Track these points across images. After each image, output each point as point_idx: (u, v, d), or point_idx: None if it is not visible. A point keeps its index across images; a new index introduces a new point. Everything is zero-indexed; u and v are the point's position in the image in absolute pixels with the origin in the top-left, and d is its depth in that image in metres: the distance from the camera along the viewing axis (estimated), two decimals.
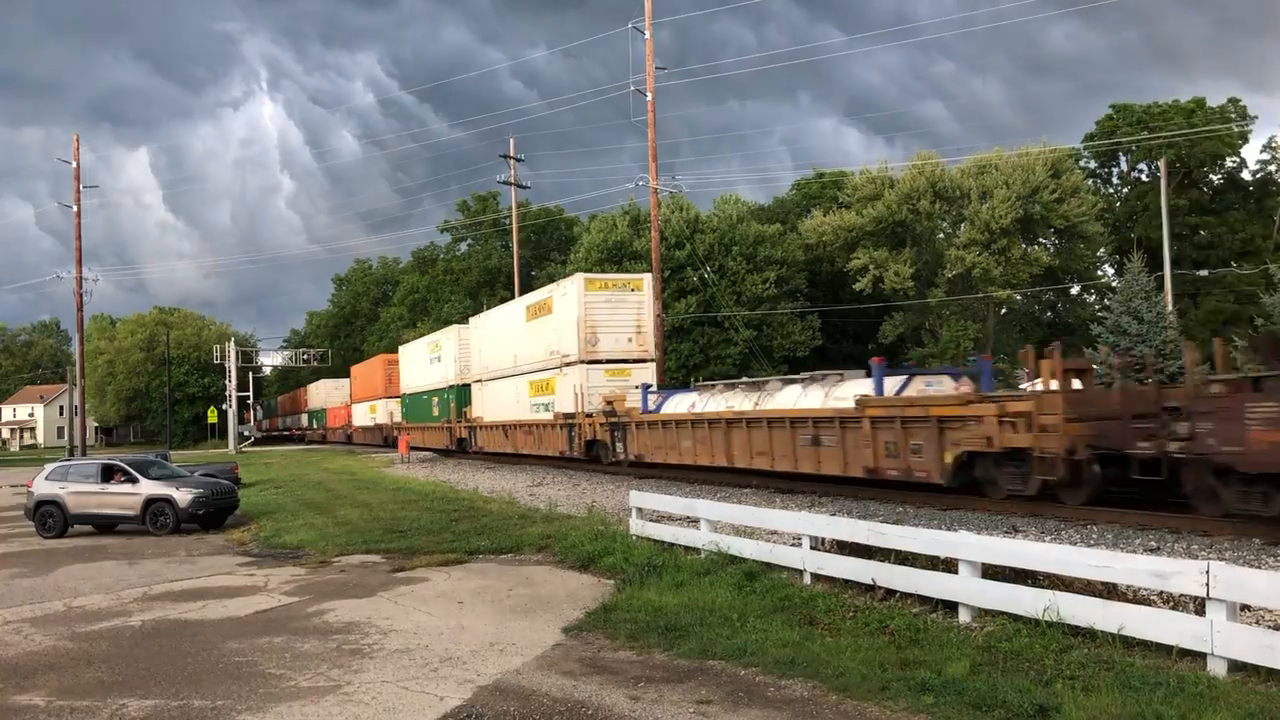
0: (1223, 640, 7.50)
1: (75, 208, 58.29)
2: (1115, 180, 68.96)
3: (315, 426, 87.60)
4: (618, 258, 56.80)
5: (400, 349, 58.00)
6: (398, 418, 55.63)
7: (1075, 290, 64.01)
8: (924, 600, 10.19)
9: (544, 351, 32.95)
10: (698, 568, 12.72)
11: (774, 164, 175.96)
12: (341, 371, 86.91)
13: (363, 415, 67.31)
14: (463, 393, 43.04)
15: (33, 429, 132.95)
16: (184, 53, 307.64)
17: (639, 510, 15.82)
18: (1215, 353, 15.72)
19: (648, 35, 37.32)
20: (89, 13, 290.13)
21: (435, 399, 47.39)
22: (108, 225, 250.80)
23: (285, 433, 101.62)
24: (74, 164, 58.42)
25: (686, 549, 13.91)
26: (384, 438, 60.35)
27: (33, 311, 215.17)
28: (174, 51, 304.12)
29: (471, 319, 44.08)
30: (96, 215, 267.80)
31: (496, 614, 11.48)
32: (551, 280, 47.10)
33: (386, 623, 11.26)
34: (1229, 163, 63.48)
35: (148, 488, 21.50)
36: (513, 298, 44.28)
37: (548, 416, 32.46)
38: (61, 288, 75.26)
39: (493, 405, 39.10)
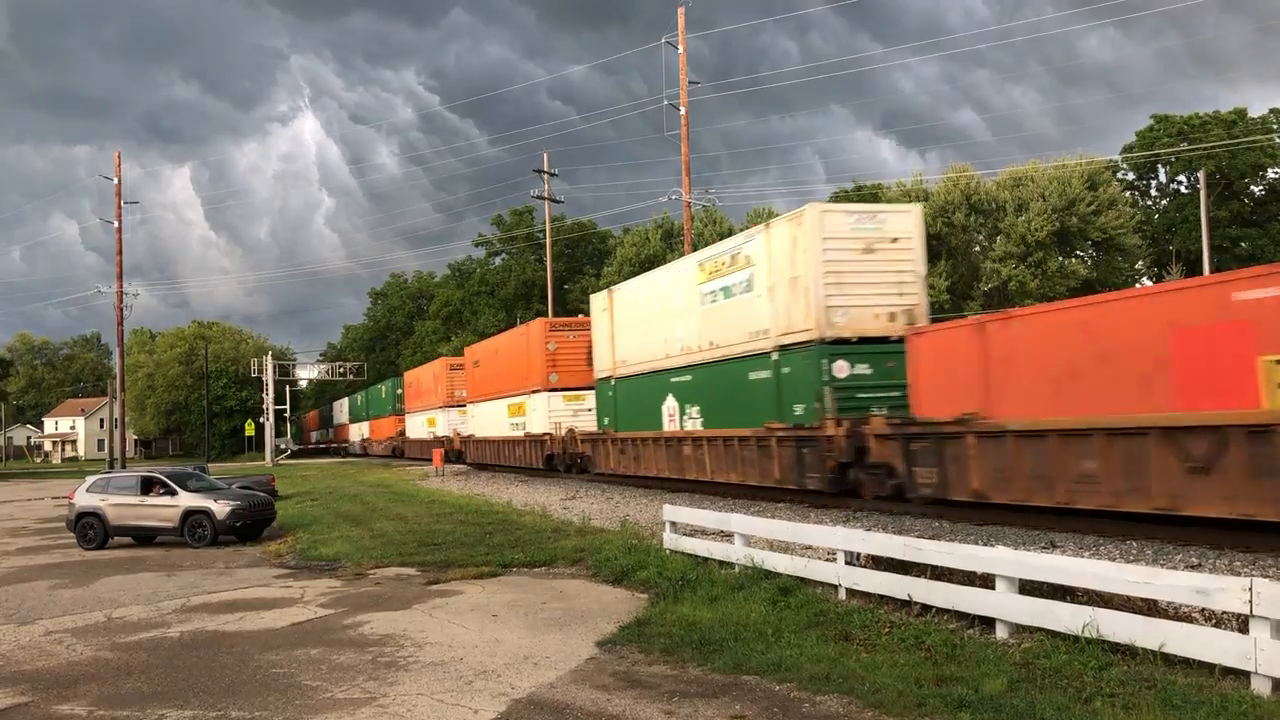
0: (1266, 658, 7.37)
1: (116, 223, 59.36)
2: (1154, 192, 68.30)
3: None
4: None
5: None
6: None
7: None
8: (960, 616, 10.10)
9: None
10: (732, 582, 12.69)
11: (809, 176, 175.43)
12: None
13: None
14: None
15: (74, 441, 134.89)
16: (233, 69, 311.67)
17: (673, 524, 15.80)
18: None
19: (680, 49, 37.51)
20: (142, 32, 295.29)
21: None
22: (150, 241, 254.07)
23: (320, 446, 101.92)
24: (116, 180, 59.51)
25: (720, 563, 13.87)
26: None
27: (76, 326, 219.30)
28: (224, 68, 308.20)
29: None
30: (139, 231, 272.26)
31: (530, 627, 11.51)
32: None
33: (421, 635, 11.32)
34: (1270, 174, 62.65)
35: (186, 500, 21.76)
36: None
37: None
38: (103, 302, 76.00)
39: None
